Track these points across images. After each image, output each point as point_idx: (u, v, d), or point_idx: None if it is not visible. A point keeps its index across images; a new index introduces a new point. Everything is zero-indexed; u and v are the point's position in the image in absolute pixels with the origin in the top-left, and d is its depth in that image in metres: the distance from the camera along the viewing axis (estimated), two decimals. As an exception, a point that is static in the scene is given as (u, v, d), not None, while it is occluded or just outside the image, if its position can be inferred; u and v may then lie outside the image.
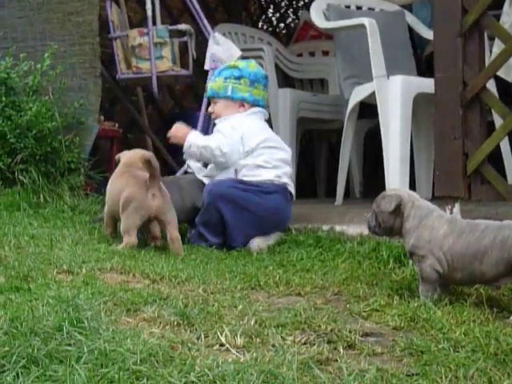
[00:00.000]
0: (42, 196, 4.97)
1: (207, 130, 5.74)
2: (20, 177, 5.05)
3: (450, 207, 3.81)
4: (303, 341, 2.37)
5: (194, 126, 5.76)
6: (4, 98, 5.22)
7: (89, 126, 5.59)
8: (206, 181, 4.44)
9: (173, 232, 3.80)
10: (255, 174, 4.31)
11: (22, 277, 2.92)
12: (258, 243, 4.13)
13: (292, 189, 4.45)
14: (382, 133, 4.90)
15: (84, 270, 3.13)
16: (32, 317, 2.33)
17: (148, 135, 6.71)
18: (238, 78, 4.57)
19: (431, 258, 2.97)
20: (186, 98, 8.02)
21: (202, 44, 6.31)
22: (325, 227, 4.30)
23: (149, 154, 3.91)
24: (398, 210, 3.08)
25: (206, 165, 4.64)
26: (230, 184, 4.24)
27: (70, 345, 2.14)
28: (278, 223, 4.32)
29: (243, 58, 5.26)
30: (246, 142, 4.38)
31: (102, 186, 4.81)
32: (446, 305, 2.85)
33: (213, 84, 4.64)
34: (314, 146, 7.65)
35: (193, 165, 4.63)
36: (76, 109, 5.51)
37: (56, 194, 5.06)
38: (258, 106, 4.57)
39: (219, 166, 4.42)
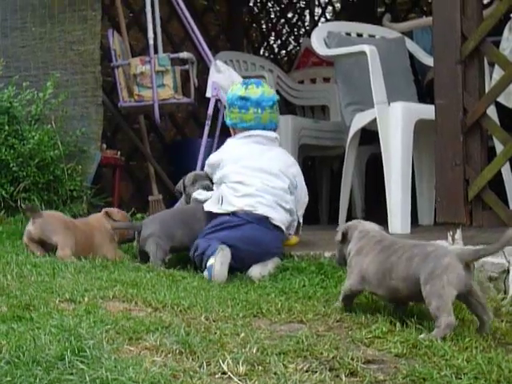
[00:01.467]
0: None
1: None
2: (23, 205, 5.06)
3: (451, 233, 3.82)
4: (305, 368, 2.36)
5: (195, 153, 5.80)
6: (7, 127, 5.25)
7: (91, 154, 5.61)
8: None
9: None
10: (231, 202, 4.29)
11: (24, 306, 2.92)
12: (259, 270, 4.11)
13: (275, 219, 4.28)
14: (383, 159, 4.91)
15: (86, 299, 3.12)
16: (34, 346, 2.33)
17: (150, 163, 6.73)
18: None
19: (353, 277, 3.15)
20: (188, 125, 8.05)
21: (204, 72, 6.35)
22: (327, 254, 4.28)
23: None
24: (345, 240, 3.30)
25: None
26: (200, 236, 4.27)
27: (71, 374, 2.14)
28: (259, 253, 4.17)
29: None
30: (222, 167, 4.46)
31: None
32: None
33: None
34: (315, 172, 7.67)
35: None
36: (78, 137, 5.55)
37: (59, 222, 5.06)
38: (250, 128, 4.52)
39: None
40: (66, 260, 4.02)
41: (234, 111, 4.57)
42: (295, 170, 4.54)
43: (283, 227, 4.35)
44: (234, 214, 4.26)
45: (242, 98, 4.53)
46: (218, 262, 3.92)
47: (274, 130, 4.62)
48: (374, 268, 3.07)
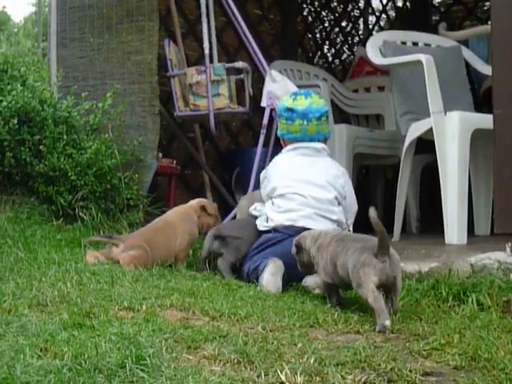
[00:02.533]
0: (101, 232, 5.02)
1: (264, 166, 5.77)
2: (80, 213, 5.14)
3: (510, 244, 3.78)
4: (363, 380, 2.35)
5: (250, 162, 5.83)
6: (65, 137, 5.33)
7: (147, 163, 5.67)
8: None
9: None
10: (273, 218, 4.34)
11: (84, 313, 2.96)
12: (314, 280, 4.11)
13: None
14: (439, 169, 4.88)
15: (144, 307, 3.16)
16: (96, 353, 2.37)
17: (205, 171, 6.77)
18: None
19: (320, 272, 3.53)
20: (243, 134, 8.07)
21: (259, 81, 6.37)
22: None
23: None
24: (300, 249, 3.67)
25: None
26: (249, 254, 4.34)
27: (132, 382, 2.17)
28: None
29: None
30: (269, 182, 4.50)
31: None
32: (507, 343, 2.81)
33: None
34: (370, 181, 7.64)
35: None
36: (135, 146, 5.61)
37: (115, 230, 5.12)
38: (297, 140, 4.52)
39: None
40: (125, 265, 4.09)
41: (282, 122, 4.58)
42: (343, 180, 4.49)
43: None
44: (275, 230, 4.31)
45: (289, 110, 4.53)
46: (269, 271, 3.96)
47: (324, 142, 4.59)
48: (328, 258, 3.43)
